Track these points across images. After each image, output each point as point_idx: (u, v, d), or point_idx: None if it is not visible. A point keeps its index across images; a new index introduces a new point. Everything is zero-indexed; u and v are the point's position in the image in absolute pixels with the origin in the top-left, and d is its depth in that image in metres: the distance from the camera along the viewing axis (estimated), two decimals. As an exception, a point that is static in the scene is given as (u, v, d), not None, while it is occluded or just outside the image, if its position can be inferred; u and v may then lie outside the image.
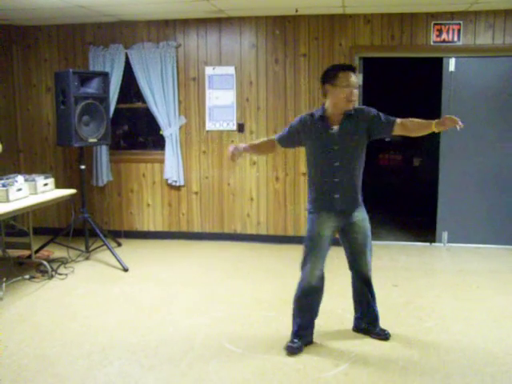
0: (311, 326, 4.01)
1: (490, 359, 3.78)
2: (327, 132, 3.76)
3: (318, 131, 3.78)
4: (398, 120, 3.79)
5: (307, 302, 3.94)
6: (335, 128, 3.76)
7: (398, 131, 3.81)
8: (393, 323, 4.36)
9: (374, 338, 4.11)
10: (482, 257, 6.51)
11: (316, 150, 3.82)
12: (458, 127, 3.59)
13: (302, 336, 3.95)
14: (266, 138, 4.31)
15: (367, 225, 3.94)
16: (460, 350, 3.94)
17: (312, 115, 3.85)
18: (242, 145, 4.12)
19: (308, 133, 3.82)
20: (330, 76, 3.71)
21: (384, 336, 4.11)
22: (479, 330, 4.29)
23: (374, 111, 3.82)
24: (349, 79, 3.66)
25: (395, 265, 6.14)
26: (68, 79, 5.82)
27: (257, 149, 4.32)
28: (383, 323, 4.19)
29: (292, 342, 3.91)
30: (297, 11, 6.43)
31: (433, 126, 3.67)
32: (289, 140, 4.01)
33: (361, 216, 3.90)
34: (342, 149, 3.75)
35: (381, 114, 3.83)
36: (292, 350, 3.85)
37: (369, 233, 3.95)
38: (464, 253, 6.69)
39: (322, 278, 3.90)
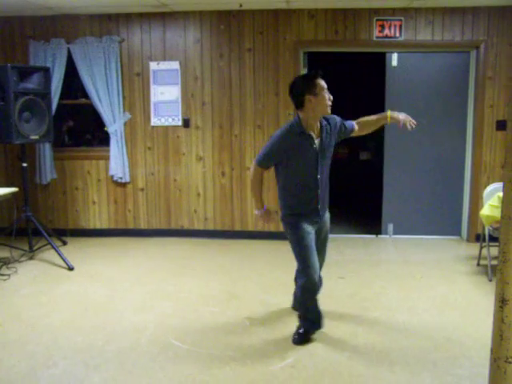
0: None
1: (433, 346, 3.88)
2: (312, 147, 3.78)
3: (302, 148, 3.74)
4: (356, 125, 4.10)
5: (315, 300, 3.99)
6: (317, 142, 3.81)
7: (355, 134, 4.15)
8: (339, 314, 4.44)
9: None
10: (425, 247, 6.67)
11: (301, 165, 3.79)
12: (409, 126, 3.95)
13: (312, 330, 4.03)
14: (254, 177, 3.92)
15: (329, 230, 4.14)
16: (404, 338, 4.03)
17: (290, 131, 3.77)
18: (260, 209, 3.99)
19: (293, 150, 3.74)
20: (307, 86, 3.71)
21: None
22: (423, 319, 4.40)
23: (338, 119, 4.01)
24: (324, 85, 3.75)
25: (342, 257, 6.22)
26: (6, 74, 5.62)
27: (260, 191, 4.01)
28: (330, 315, 4.26)
29: (306, 335, 3.99)
30: (241, 6, 6.42)
31: (388, 118, 4.05)
32: (272, 161, 3.85)
33: (327, 214, 4.10)
34: (322, 161, 3.86)
35: (343, 120, 4.05)
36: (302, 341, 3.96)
37: (328, 237, 4.16)
38: (409, 244, 6.85)
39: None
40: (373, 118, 4.16)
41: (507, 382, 1.75)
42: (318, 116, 3.78)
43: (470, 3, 6.39)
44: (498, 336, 1.77)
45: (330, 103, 3.76)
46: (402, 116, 4.04)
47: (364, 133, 4.22)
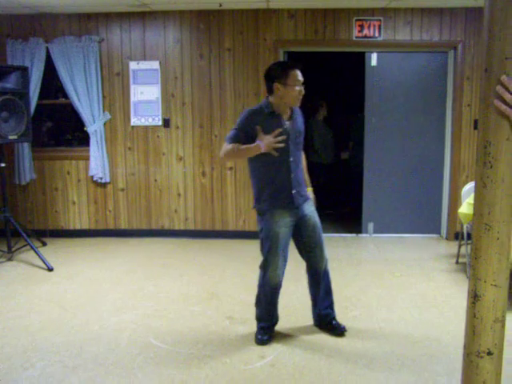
0: (276, 320, 4.05)
1: (411, 344, 3.91)
2: (281, 127, 3.68)
3: (271, 127, 3.65)
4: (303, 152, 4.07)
5: (272, 299, 3.95)
6: (287, 123, 3.76)
7: None
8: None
9: (330, 332, 4.09)
10: (405, 246, 6.73)
11: None
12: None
13: (269, 331, 3.99)
14: (227, 151, 3.71)
15: (317, 217, 3.97)
16: (383, 336, 4.06)
17: (260, 110, 3.73)
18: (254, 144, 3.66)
19: (262, 128, 3.64)
20: (279, 74, 3.67)
21: (340, 330, 4.08)
22: (402, 317, 4.43)
23: (303, 124, 3.96)
24: (298, 78, 3.68)
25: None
26: (-16, 74, 5.60)
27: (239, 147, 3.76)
28: (310, 314, 4.25)
29: (262, 334, 3.94)
30: (220, 5, 6.42)
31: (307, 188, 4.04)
32: (243, 136, 3.67)
33: (311, 208, 3.94)
34: (293, 144, 3.78)
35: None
36: (263, 342, 3.90)
37: (320, 225, 3.98)
38: (389, 242, 6.90)
39: (283, 274, 3.89)
40: (305, 171, 4.08)
41: (479, 376, 1.77)
42: (285, 105, 3.75)
43: (448, 4, 6.46)
44: (471, 331, 1.79)
45: (300, 97, 3.72)
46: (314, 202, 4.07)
47: None
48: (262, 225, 3.82)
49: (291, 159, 3.76)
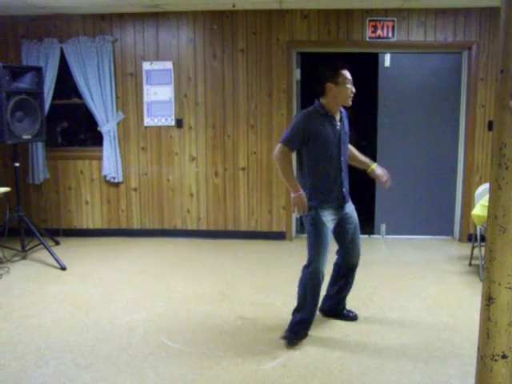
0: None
1: (423, 345, 3.89)
2: (335, 128, 3.87)
3: (325, 128, 3.82)
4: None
5: (319, 293, 4.01)
6: (339, 124, 3.91)
7: None
8: (331, 314, 4.44)
9: (343, 319, 4.33)
10: (417, 247, 6.69)
11: (326, 145, 3.84)
12: (386, 186, 4.19)
13: (305, 328, 4.02)
14: (283, 159, 3.82)
15: (356, 215, 4.15)
16: (395, 337, 4.04)
17: (315, 111, 3.85)
18: (298, 192, 3.84)
19: (317, 129, 3.80)
20: (331, 75, 3.81)
21: (353, 314, 4.37)
22: (414, 318, 4.41)
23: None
24: (348, 77, 3.83)
25: (335, 257, 6.21)
26: (-1, 74, 5.64)
27: (293, 173, 3.95)
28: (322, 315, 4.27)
29: (295, 334, 3.96)
30: (234, 6, 6.42)
31: (370, 168, 4.22)
32: (299, 140, 3.81)
33: (351, 207, 4.11)
34: (344, 143, 3.96)
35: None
36: (293, 343, 3.92)
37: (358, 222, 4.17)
38: (401, 244, 6.87)
39: None
40: (359, 155, 4.26)
41: (494, 380, 1.76)
42: (338, 104, 3.89)
43: (462, 4, 6.41)
44: (485, 334, 1.78)
45: (351, 95, 3.85)
46: (385, 175, 4.18)
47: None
48: (311, 224, 3.90)
49: (342, 158, 3.93)
